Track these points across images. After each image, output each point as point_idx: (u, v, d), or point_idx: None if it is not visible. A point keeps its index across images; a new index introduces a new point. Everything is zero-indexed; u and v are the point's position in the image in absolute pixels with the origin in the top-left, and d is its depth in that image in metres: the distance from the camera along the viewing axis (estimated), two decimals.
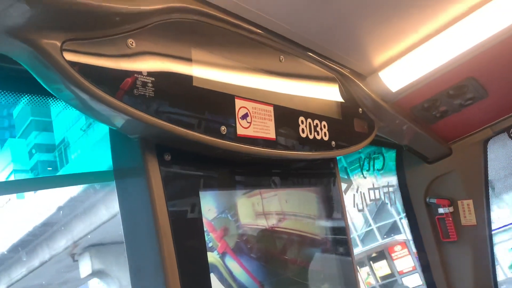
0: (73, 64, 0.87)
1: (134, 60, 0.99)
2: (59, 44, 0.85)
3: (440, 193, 2.65)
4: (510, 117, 2.33)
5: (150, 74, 1.01)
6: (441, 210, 2.60)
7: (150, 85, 1.00)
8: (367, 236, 15.18)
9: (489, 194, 2.54)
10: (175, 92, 1.07)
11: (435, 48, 1.76)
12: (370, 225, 14.90)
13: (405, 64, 1.83)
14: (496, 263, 2.59)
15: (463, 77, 1.93)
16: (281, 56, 1.50)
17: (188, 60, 1.13)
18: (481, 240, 2.52)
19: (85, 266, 13.03)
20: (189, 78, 1.12)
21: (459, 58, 1.80)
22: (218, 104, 1.20)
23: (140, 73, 0.99)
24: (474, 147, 2.49)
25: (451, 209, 2.57)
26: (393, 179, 2.77)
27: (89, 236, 12.19)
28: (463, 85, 1.98)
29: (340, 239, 1.75)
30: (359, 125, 1.87)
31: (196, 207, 1.19)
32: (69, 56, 0.86)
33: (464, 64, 1.82)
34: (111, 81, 0.93)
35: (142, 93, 0.99)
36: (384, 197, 2.79)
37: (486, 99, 2.07)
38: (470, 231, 2.55)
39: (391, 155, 2.72)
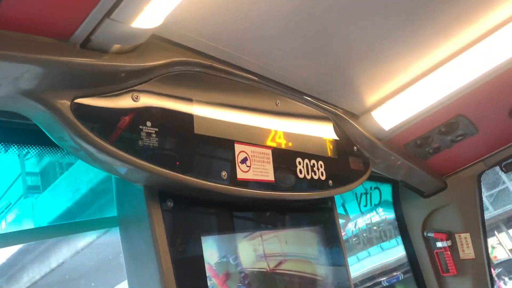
0: (81, 119, 0.91)
1: (139, 112, 1.04)
2: (69, 102, 0.90)
3: (438, 226, 2.67)
4: (501, 151, 2.39)
5: (154, 125, 1.06)
6: (439, 244, 2.61)
7: (154, 135, 1.05)
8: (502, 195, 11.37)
9: (485, 226, 2.56)
10: (177, 141, 1.12)
11: (425, 88, 1.83)
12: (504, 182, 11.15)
13: (397, 103, 1.90)
14: None
15: (453, 115, 2.00)
16: (277, 101, 1.56)
17: (189, 109, 1.18)
18: (481, 273, 2.52)
19: None
20: (190, 127, 1.16)
21: (449, 97, 1.87)
22: (219, 150, 1.25)
23: (144, 124, 1.04)
24: (468, 181, 2.54)
25: (449, 242, 2.58)
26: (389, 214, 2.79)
27: None
28: (453, 122, 2.04)
29: (340, 277, 1.75)
30: (355, 163, 1.92)
31: (198, 252, 1.21)
32: (78, 112, 0.91)
33: (454, 102, 1.89)
34: (116, 134, 0.97)
35: (147, 143, 1.03)
36: (382, 232, 2.80)
37: (476, 135, 2.13)
38: (469, 265, 2.55)
39: (388, 190, 2.76)
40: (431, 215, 2.67)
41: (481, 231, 2.53)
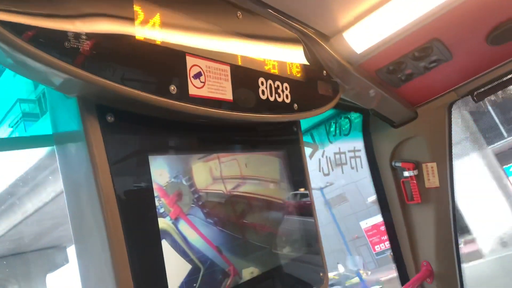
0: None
1: (63, 10, 0.89)
2: None
3: (406, 156, 2.68)
4: (474, 80, 2.33)
5: (85, 27, 0.91)
6: (406, 174, 2.63)
7: (84, 37, 0.91)
8: None
9: (452, 157, 2.58)
10: (114, 47, 0.98)
11: (400, 8, 1.72)
12: None
13: (370, 24, 1.78)
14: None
15: (428, 39, 1.90)
16: (239, 13, 1.41)
17: (129, 13, 1.03)
18: (444, 202, 2.58)
19: None
20: (131, 32, 1.03)
21: (424, 19, 1.76)
22: (166, 61, 1.12)
23: (73, 26, 0.90)
24: (439, 111, 2.50)
25: (415, 172, 2.61)
26: (359, 144, 2.77)
27: None
28: (428, 47, 1.95)
29: (302, 202, 1.73)
30: (323, 88, 1.83)
31: (145, 172, 1.12)
32: None
33: (429, 24, 1.78)
34: (40, 35, 0.83)
35: (75, 45, 0.89)
36: (350, 162, 2.80)
37: (450, 61, 2.05)
38: (433, 193, 2.60)
39: (357, 119, 2.71)
40: (400, 145, 2.67)
41: (448, 160, 2.55)
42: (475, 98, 2.40)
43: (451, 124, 2.54)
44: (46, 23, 0.85)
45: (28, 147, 1.16)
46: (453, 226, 2.61)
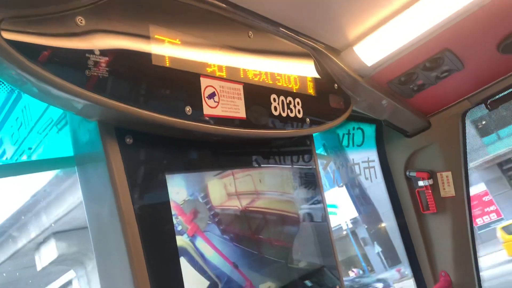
0: (14, 44, 0.81)
1: (84, 38, 0.93)
2: None
3: (420, 166, 2.66)
4: (487, 88, 2.32)
5: (103, 53, 0.96)
6: (421, 183, 2.61)
7: (103, 65, 0.95)
8: None
9: (467, 165, 2.56)
10: (132, 72, 1.02)
11: (410, 20, 1.73)
12: None
13: (380, 37, 1.80)
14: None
15: (439, 49, 1.90)
16: (250, 32, 1.45)
17: (146, 37, 1.07)
18: (460, 211, 2.55)
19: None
20: (147, 57, 1.07)
21: (434, 30, 1.77)
22: (182, 84, 1.16)
23: (91, 52, 0.94)
24: (452, 120, 2.49)
25: (430, 181, 2.59)
26: (373, 154, 2.77)
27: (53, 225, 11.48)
28: (439, 57, 1.95)
29: (317, 216, 1.74)
30: (335, 101, 1.84)
31: (162, 191, 1.16)
32: (9, 35, 0.81)
33: (439, 35, 1.79)
34: (58, 61, 0.88)
35: (95, 73, 0.94)
36: (364, 172, 2.80)
37: (462, 71, 2.05)
38: (449, 203, 2.58)
39: (371, 130, 2.71)
40: (414, 154, 2.66)
41: (463, 169, 2.53)
42: (489, 106, 2.39)
43: (465, 133, 2.53)
44: (67, 52, 0.90)
45: (50, 169, 1.20)
46: (470, 236, 2.58)
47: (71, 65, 0.90)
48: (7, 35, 0.80)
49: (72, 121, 1.13)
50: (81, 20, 0.93)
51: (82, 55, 0.92)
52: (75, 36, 0.92)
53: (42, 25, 0.86)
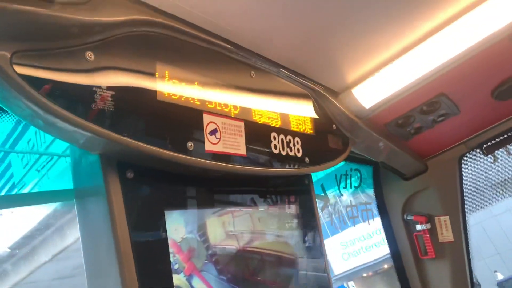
0: (24, 77, 0.82)
1: (92, 73, 0.95)
2: (8, 55, 0.81)
3: (418, 209, 2.65)
4: (483, 133, 2.36)
5: (110, 88, 0.97)
6: (418, 227, 2.59)
7: (109, 99, 0.96)
8: None
9: (465, 210, 2.55)
10: (137, 107, 1.03)
11: (407, 65, 1.78)
12: None
13: (378, 80, 1.84)
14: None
15: (435, 94, 1.95)
16: (252, 72, 1.48)
17: (152, 74, 1.09)
18: (459, 256, 2.51)
19: None
20: (152, 93, 1.08)
21: (430, 75, 1.82)
22: (185, 119, 1.16)
23: (99, 87, 0.95)
24: (449, 164, 2.51)
25: (428, 225, 2.56)
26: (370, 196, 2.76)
27: None
28: (435, 102, 2.00)
29: (315, 257, 1.70)
30: (334, 142, 1.86)
31: (161, 227, 1.13)
32: (20, 69, 0.82)
33: (435, 80, 1.84)
34: (66, 95, 0.89)
35: (101, 107, 0.94)
36: (362, 214, 2.77)
37: (458, 115, 2.09)
38: (447, 248, 2.54)
39: (368, 172, 2.72)
40: (411, 197, 2.65)
41: (461, 214, 2.52)
42: (484, 151, 2.41)
43: (462, 177, 2.54)
44: (75, 86, 0.91)
45: (49, 202, 1.18)
46: (469, 282, 2.52)
47: (78, 99, 0.91)
48: (19, 69, 0.81)
49: (73, 154, 1.13)
50: (91, 55, 0.95)
51: (89, 89, 0.93)
52: (84, 71, 0.93)
53: (52, 59, 0.88)
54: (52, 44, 0.89)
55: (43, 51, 0.87)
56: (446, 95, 1.96)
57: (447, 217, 2.53)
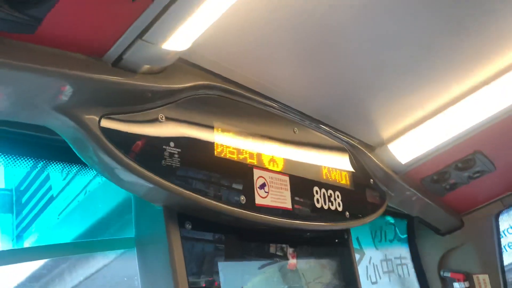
0: (107, 135, 0.93)
1: (164, 132, 1.05)
2: (97, 118, 0.92)
3: (454, 266, 2.58)
4: None
5: (177, 145, 1.07)
6: (456, 285, 2.51)
7: (176, 156, 1.06)
8: None
9: (504, 268, 2.47)
10: (198, 163, 1.13)
11: (442, 123, 1.83)
12: None
13: (414, 137, 1.90)
14: None
15: (470, 151, 1.98)
16: (295, 128, 1.57)
17: (211, 132, 1.20)
18: None
19: None
20: (211, 149, 1.18)
21: (466, 133, 1.86)
22: (238, 174, 1.25)
23: (168, 144, 1.05)
24: (485, 220, 2.47)
25: (466, 284, 2.49)
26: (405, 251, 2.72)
27: None
28: (470, 159, 2.02)
29: None
30: (371, 196, 1.90)
31: (214, 278, 1.19)
32: (105, 129, 0.93)
33: (471, 138, 1.88)
34: (141, 152, 0.99)
35: (169, 163, 1.04)
36: (397, 269, 2.72)
37: (494, 172, 2.10)
38: None
39: (403, 226, 2.70)
40: (447, 253, 2.60)
41: (500, 272, 2.44)
42: None
43: (499, 234, 2.49)
44: (149, 145, 1.02)
45: (111, 249, 1.25)
46: None
47: (152, 157, 1.01)
48: (105, 131, 0.93)
49: (136, 205, 1.21)
50: (162, 117, 1.06)
51: (160, 147, 1.03)
52: (157, 131, 1.04)
53: (132, 121, 0.99)
54: (131, 108, 1.00)
55: (123, 114, 0.98)
56: (481, 152, 1.99)
57: (486, 276, 2.46)
